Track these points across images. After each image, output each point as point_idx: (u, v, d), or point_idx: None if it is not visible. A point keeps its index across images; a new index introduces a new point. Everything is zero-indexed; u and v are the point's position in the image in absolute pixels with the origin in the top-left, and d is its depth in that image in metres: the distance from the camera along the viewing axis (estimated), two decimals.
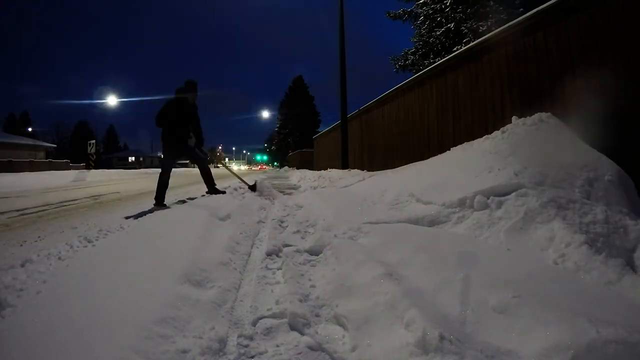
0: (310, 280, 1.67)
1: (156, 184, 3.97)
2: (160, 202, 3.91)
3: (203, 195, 4.44)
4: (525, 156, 2.29)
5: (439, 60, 5.14)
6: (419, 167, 3.54)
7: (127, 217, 3.20)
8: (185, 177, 14.02)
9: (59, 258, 1.79)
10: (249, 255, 2.06)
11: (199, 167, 4.45)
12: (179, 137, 4.06)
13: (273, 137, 47.33)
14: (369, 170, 6.46)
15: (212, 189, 4.36)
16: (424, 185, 2.71)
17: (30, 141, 29.86)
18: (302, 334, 1.18)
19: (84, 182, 9.72)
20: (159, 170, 4.17)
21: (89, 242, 2.13)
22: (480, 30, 9.11)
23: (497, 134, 2.86)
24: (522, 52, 3.27)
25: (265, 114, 35.09)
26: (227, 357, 1.05)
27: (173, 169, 4.29)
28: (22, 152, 26.72)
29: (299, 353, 1.08)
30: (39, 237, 2.43)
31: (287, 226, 2.76)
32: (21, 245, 2.20)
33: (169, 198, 4.79)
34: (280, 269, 1.81)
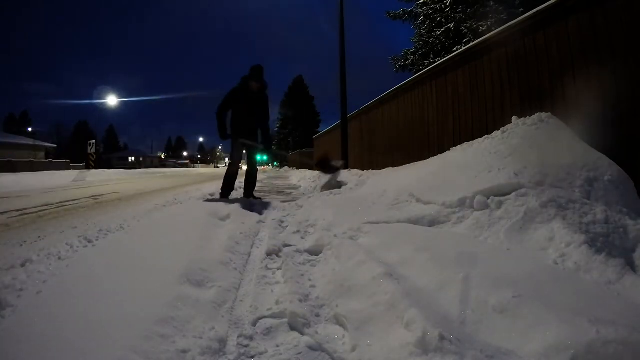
0: (310, 280, 1.67)
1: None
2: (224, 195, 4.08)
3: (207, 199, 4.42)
4: (525, 156, 2.29)
5: (439, 60, 5.14)
6: (419, 167, 3.54)
7: (127, 217, 3.20)
8: (185, 177, 14.03)
9: (59, 258, 1.79)
10: (249, 255, 2.06)
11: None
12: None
13: (273, 137, 47.36)
14: (369, 170, 6.46)
15: (249, 193, 4.29)
16: (424, 185, 2.70)
17: (30, 141, 29.89)
18: (302, 334, 1.18)
19: (84, 182, 9.72)
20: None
21: (89, 242, 2.14)
22: (480, 30, 9.11)
23: (497, 134, 2.86)
24: (522, 52, 3.27)
25: None
26: (227, 357, 1.05)
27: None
28: (22, 152, 26.75)
29: (299, 353, 1.08)
30: (39, 237, 2.43)
31: (287, 226, 2.76)
32: (21, 245, 2.20)
33: (167, 198, 4.79)
34: (280, 269, 1.81)
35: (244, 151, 4.31)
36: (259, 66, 4.07)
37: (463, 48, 4.56)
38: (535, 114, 2.78)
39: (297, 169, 17.77)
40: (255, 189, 4.52)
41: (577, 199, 1.85)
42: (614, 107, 2.35)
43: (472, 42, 5.11)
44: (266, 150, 4.41)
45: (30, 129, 44.75)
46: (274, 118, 41.59)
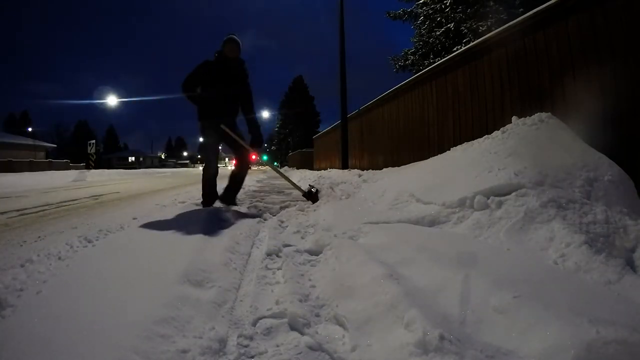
0: (310, 280, 1.67)
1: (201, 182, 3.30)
2: (208, 202, 3.26)
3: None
4: (525, 156, 2.29)
5: (439, 60, 5.14)
6: (419, 167, 3.54)
7: (127, 217, 3.20)
8: (185, 177, 14.02)
9: (59, 258, 1.78)
10: (249, 255, 2.06)
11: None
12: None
13: (273, 137, 47.35)
14: (369, 170, 6.46)
15: (230, 198, 3.47)
16: (424, 185, 2.70)
17: (30, 141, 29.93)
18: (302, 334, 1.18)
19: (84, 182, 9.72)
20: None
21: (89, 242, 2.13)
22: (480, 30, 9.12)
23: (497, 134, 2.86)
24: (522, 52, 3.27)
25: (265, 114, 35.10)
26: (227, 357, 1.05)
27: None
28: (22, 152, 26.78)
29: (299, 353, 1.08)
30: (39, 237, 2.43)
31: (287, 226, 2.76)
32: (21, 245, 2.20)
33: (167, 198, 4.79)
34: (280, 269, 1.80)
35: (220, 146, 3.28)
36: (236, 39, 3.17)
37: (463, 48, 4.56)
38: (535, 114, 2.78)
39: (297, 168, 17.77)
40: (255, 189, 4.24)
41: (577, 199, 1.85)
42: (614, 107, 2.35)
43: (472, 42, 5.11)
44: (257, 148, 3.30)
45: (30, 129, 44.80)
46: (274, 119, 41.35)
